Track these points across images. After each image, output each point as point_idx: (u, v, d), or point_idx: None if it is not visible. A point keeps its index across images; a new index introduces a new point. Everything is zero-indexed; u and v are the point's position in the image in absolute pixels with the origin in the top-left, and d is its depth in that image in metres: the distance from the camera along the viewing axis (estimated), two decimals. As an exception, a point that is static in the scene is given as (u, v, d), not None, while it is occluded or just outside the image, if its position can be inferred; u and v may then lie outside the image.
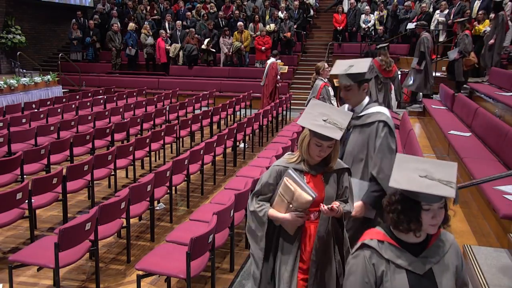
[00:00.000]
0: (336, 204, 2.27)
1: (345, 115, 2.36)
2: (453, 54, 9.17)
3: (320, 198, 2.33)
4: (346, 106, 2.98)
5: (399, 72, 10.20)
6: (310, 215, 2.36)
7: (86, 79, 13.84)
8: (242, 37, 13.62)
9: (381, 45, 8.70)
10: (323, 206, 2.26)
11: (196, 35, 13.97)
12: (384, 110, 2.78)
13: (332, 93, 6.90)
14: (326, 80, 6.82)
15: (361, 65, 2.71)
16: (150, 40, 14.03)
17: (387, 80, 9.68)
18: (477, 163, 4.76)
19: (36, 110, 8.40)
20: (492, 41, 8.96)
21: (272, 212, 2.37)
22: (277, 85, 10.57)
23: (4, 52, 13.88)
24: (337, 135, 2.22)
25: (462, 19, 10.15)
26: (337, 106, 7.11)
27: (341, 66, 2.72)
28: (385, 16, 13.86)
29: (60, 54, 13.69)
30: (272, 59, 10.27)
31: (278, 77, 10.16)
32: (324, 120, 2.25)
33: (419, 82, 9.23)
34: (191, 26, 14.41)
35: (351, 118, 2.54)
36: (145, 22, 14.66)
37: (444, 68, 10.45)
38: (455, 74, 9.17)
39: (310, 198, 2.25)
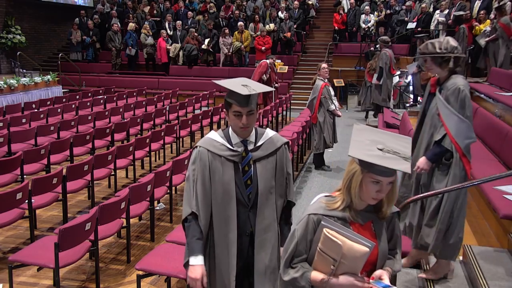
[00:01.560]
0: (388, 272, 1.80)
1: (403, 140, 1.79)
2: (411, 68, 9.45)
3: (373, 256, 1.78)
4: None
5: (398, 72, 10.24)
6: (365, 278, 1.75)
7: (86, 79, 13.85)
8: (243, 37, 13.62)
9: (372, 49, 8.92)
10: (372, 279, 1.73)
11: (197, 35, 13.97)
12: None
13: (332, 92, 6.92)
14: (326, 80, 6.84)
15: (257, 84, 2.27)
16: (150, 40, 14.04)
17: (370, 83, 9.82)
18: (477, 163, 4.75)
19: (36, 110, 8.40)
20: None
21: (316, 275, 1.76)
22: (276, 85, 10.58)
23: (4, 52, 13.89)
24: (405, 166, 1.67)
25: (421, 35, 10.76)
26: (338, 105, 7.14)
27: (239, 86, 2.15)
28: (383, 16, 13.88)
29: (60, 54, 13.70)
30: (264, 60, 10.37)
31: (264, 77, 10.13)
32: (381, 149, 1.71)
33: (378, 96, 9.88)
34: (191, 26, 14.41)
35: (250, 151, 2.25)
36: (145, 22, 14.66)
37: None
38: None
39: (366, 250, 1.66)
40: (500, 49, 8.94)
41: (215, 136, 2.30)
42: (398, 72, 10.44)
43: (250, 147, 2.25)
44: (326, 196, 1.87)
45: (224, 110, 2.26)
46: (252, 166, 2.25)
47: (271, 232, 2.28)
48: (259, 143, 2.27)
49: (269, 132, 2.35)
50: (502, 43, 8.91)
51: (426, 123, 3.11)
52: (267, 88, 2.32)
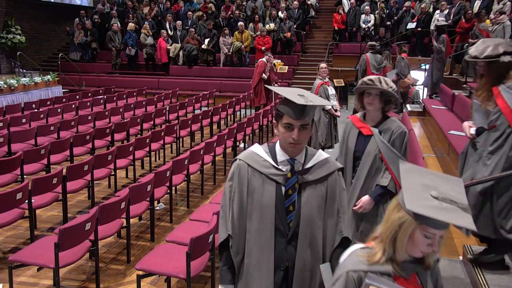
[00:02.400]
0: None
1: (456, 184, 1.57)
2: (391, 76, 9.63)
3: None
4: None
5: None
6: None
7: (86, 79, 13.84)
8: (243, 37, 13.62)
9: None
10: None
11: (197, 36, 13.97)
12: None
13: (332, 92, 6.87)
14: (327, 79, 6.81)
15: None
16: (150, 40, 14.04)
17: None
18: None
19: (36, 110, 8.40)
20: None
21: None
22: (275, 84, 10.58)
23: (4, 52, 13.88)
24: (468, 221, 1.44)
25: (402, 42, 10.88)
26: (338, 105, 7.11)
27: (294, 95, 1.92)
28: (384, 16, 13.88)
29: (60, 54, 13.70)
30: (260, 59, 10.38)
31: (264, 76, 10.14)
32: (436, 198, 1.47)
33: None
34: (192, 26, 14.41)
35: (297, 173, 1.97)
36: (145, 22, 14.66)
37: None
38: None
39: None
40: None
41: (258, 150, 2.03)
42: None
43: (298, 168, 1.96)
44: (362, 248, 1.61)
45: (274, 121, 1.98)
46: (297, 190, 1.95)
47: (312, 272, 1.96)
48: (308, 165, 1.97)
49: (322, 154, 2.04)
50: None
51: (363, 163, 2.97)
52: (325, 102, 2.11)
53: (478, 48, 2.89)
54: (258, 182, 1.96)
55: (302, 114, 1.86)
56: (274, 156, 1.98)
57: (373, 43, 10.35)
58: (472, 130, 2.99)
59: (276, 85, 10.66)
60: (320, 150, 2.08)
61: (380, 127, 2.93)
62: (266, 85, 8.45)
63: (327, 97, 6.67)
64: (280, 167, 1.96)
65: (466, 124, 3.09)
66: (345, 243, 1.98)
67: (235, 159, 2.05)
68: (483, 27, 9.23)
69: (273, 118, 1.99)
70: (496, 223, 2.94)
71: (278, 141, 2.00)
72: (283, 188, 1.95)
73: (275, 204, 1.93)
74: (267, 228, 1.93)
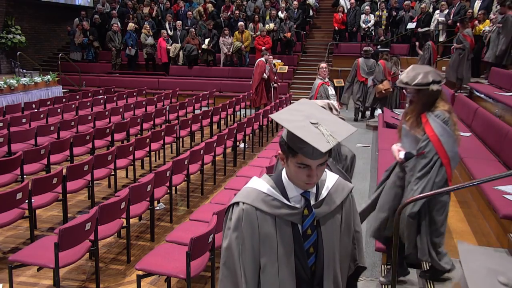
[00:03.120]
0: None
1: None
2: (369, 82, 10.18)
3: None
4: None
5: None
6: None
7: (86, 79, 13.84)
8: (243, 37, 13.62)
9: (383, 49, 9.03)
10: None
11: (196, 36, 13.97)
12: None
13: (332, 92, 6.88)
14: (327, 79, 6.82)
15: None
16: (150, 40, 14.04)
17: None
18: (477, 163, 4.76)
19: (36, 110, 8.40)
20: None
21: None
22: (274, 85, 10.58)
23: (4, 52, 13.88)
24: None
25: (383, 49, 11.27)
26: (338, 106, 7.11)
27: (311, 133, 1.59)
28: (384, 17, 13.87)
29: (60, 54, 13.70)
30: (259, 59, 10.37)
31: (265, 75, 10.14)
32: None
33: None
34: (191, 26, 14.41)
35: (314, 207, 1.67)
36: (145, 22, 14.67)
37: (444, 68, 10.50)
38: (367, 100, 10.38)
39: None
40: (464, 64, 9.36)
41: (262, 186, 1.66)
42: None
43: (312, 201, 1.66)
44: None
45: (280, 152, 1.64)
46: (315, 227, 1.66)
47: None
48: (323, 194, 1.68)
49: (330, 176, 1.75)
50: (464, 57, 9.35)
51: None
52: (350, 131, 1.58)
53: (409, 75, 2.96)
54: (270, 227, 1.62)
55: (324, 154, 1.53)
56: (283, 192, 1.65)
57: (368, 48, 10.70)
58: (401, 154, 3.09)
59: (275, 85, 10.66)
60: (327, 170, 1.78)
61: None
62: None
63: (327, 97, 6.67)
64: (292, 204, 1.64)
65: (395, 147, 3.17)
66: (358, 272, 1.84)
67: (236, 203, 1.66)
68: (467, 33, 9.47)
69: (280, 149, 1.63)
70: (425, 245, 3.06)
71: (283, 171, 1.67)
72: (300, 229, 1.64)
73: (293, 250, 1.63)
74: (287, 280, 1.62)
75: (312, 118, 1.54)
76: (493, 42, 9.03)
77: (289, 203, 1.63)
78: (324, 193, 1.68)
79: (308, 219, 1.63)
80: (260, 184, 1.67)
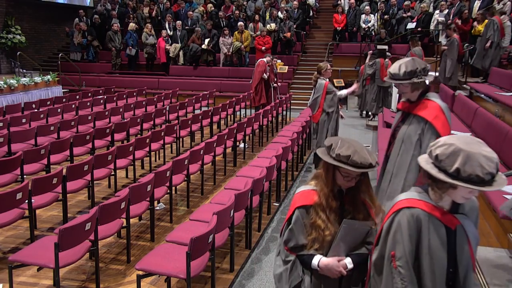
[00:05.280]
0: None
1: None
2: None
3: None
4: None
5: None
6: None
7: (86, 79, 13.85)
8: (243, 37, 13.62)
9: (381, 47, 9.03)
10: None
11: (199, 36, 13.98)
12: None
13: None
14: (327, 80, 6.79)
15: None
16: (151, 39, 14.04)
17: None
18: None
19: (36, 110, 8.40)
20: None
21: None
22: (274, 85, 10.58)
23: (4, 52, 13.89)
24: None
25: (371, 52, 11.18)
26: (339, 106, 7.09)
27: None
28: (384, 17, 13.89)
29: (60, 54, 13.70)
30: (261, 59, 10.36)
31: (265, 75, 10.14)
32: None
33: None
34: (192, 26, 14.41)
35: None
36: (147, 23, 14.66)
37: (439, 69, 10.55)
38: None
39: None
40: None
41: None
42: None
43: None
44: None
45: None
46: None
47: None
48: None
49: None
50: None
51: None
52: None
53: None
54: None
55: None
56: None
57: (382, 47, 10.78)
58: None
59: (275, 85, 10.65)
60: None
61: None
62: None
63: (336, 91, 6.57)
64: None
65: None
66: None
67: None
68: (415, 52, 9.88)
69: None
70: None
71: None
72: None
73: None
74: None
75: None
76: (442, 64, 9.58)
77: None
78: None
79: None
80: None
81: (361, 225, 2.12)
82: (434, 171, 1.79)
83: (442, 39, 12.23)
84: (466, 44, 10.29)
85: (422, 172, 1.88)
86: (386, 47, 11.20)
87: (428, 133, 2.91)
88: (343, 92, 6.59)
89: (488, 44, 8.94)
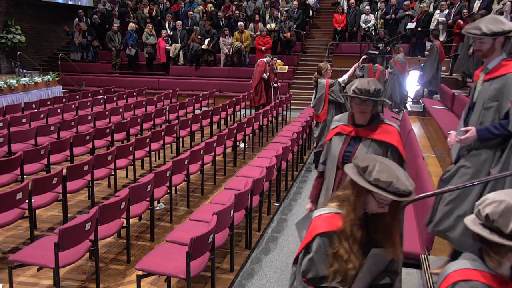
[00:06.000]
0: None
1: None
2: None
3: None
4: None
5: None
6: None
7: (86, 79, 13.84)
8: (243, 37, 13.62)
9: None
10: None
11: (199, 36, 13.98)
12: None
13: None
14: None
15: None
16: (151, 39, 14.04)
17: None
18: (477, 163, 4.74)
19: (36, 110, 8.40)
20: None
21: None
22: (274, 85, 10.57)
23: (4, 52, 13.88)
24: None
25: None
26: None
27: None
28: (385, 17, 13.89)
29: (60, 54, 13.69)
30: (261, 59, 10.37)
31: (265, 75, 10.14)
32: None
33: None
34: (192, 26, 14.41)
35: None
36: (148, 23, 14.67)
37: (444, 68, 10.55)
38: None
39: None
40: (394, 87, 9.96)
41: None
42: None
43: None
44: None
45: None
46: None
47: None
48: None
49: None
50: (396, 81, 9.91)
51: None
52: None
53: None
54: None
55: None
56: None
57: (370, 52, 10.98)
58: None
59: (275, 85, 10.65)
60: None
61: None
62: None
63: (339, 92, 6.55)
64: None
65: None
66: None
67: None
68: (397, 59, 10.00)
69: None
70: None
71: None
72: None
73: None
74: None
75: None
76: (425, 69, 9.64)
77: None
78: None
79: None
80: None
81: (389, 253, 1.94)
82: (485, 233, 1.55)
83: (443, 39, 12.24)
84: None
85: (472, 234, 1.64)
86: (377, 52, 11.30)
87: (391, 158, 2.66)
88: (345, 76, 6.60)
89: (470, 51, 9.05)
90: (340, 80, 6.50)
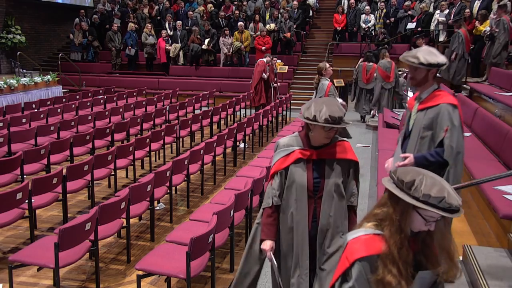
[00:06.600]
0: None
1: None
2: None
3: None
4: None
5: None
6: None
7: (86, 79, 13.85)
8: (243, 37, 13.62)
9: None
10: None
11: (198, 36, 13.98)
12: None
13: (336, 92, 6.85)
14: (329, 79, 6.78)
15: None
16: (151, 39, 14.04)
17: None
18: (477, 163, 4.76)
19: (36, 110, 8.40)
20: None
21: None
22: (274, 85, 10.58)
23: (4, 52, 13.88)
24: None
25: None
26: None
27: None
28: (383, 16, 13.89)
29: (60, 54, 13.69)
30: (261, 59, 10.38)
31: (264, 75, 10.15)
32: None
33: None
34: (192, 26, 14.41)
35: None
36: (148, 23, 14.66)
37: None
38: None
39: None
40: (376, 91, 10.06)
41: None
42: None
43: None
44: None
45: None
46: None
47: None
48: None
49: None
50: (378, 85, 9.99)
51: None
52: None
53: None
54: None
55: None
56: None
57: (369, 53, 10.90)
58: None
59: (275, 85, 10.65)
60: None
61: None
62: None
63: (336, 96, 6.58)
64: None
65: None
66: None
67: None
68: (381, 64, 9.99)
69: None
70: None
71: None
72: None
73: None
74: None
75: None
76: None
77: None
78: None
79: None
80: None
81: (434, 274, 1.75)
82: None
83: (443, 39, 12.25)
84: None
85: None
86: (375, 51, 11.30)
87: (353, 175, 2.63)
88: (339, 100, 6.63)
89: (453, 57, 9.08)
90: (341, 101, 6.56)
